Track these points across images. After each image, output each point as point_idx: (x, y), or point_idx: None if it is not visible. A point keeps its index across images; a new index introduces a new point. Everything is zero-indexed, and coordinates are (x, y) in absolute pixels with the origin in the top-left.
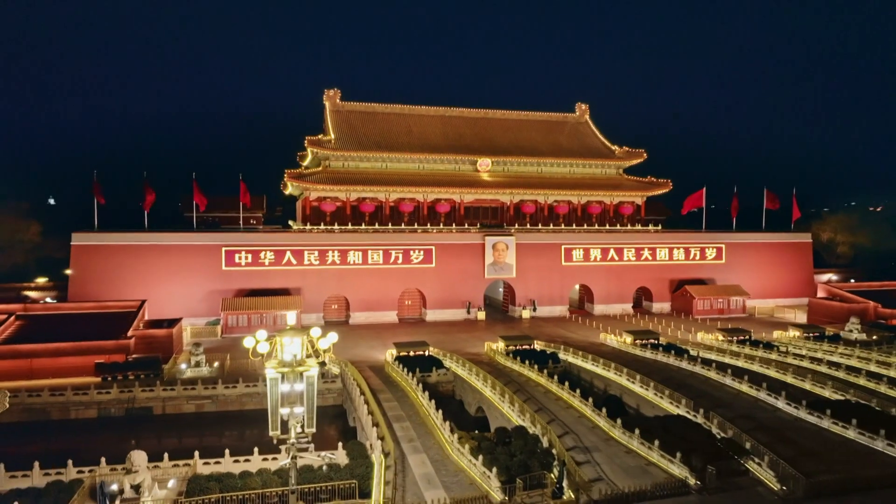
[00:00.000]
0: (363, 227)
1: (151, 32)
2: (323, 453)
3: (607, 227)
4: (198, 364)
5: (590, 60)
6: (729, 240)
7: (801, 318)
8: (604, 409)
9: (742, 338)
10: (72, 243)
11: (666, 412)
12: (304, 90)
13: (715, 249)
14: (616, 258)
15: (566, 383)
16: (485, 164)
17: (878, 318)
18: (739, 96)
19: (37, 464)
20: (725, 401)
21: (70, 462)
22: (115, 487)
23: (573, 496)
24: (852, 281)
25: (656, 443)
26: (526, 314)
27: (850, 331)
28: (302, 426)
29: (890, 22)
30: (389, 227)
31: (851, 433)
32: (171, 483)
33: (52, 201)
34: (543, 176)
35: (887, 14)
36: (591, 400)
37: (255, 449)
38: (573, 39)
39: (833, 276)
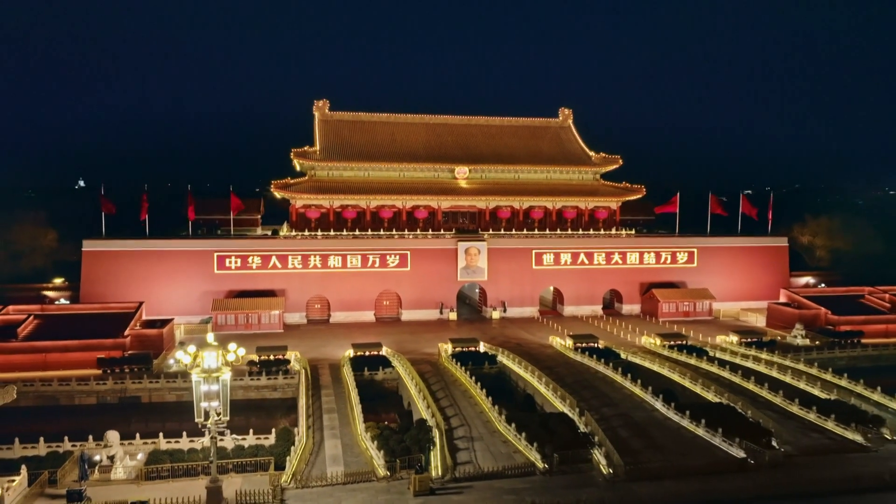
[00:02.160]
0: (344, 233)
1: (169, 44)
2: (233, 436)
3: (580, 231)
4: None
5: (576, 66)
6: (701, 244)
7: (763, 321)
8: (496, 406)
9: (677, 342)
10: (83, 249)
11: (555, 409)
12: (308, 92)
13: (686, 253)
14: (586, 262)
15: (479, 383)
16: (462, 172)
17: (828, 324)
18: (728, 100)
19: (41, 438)
20: (616, 400)
21: (66, 438)
22: (96, 458)
23: (440, 473)
24: (822, 285)
25: (524, 434)
26: (496, 315)
27: (795, 336)
28: (218, 414)
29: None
30: (368, 233)
31: (701, 430)
32: (139, 456)
33: (82, 183)
34: (520, 182)
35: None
36: (490, 398)
37: (206, 431)
38: (562, 45)
39: (811, 280)
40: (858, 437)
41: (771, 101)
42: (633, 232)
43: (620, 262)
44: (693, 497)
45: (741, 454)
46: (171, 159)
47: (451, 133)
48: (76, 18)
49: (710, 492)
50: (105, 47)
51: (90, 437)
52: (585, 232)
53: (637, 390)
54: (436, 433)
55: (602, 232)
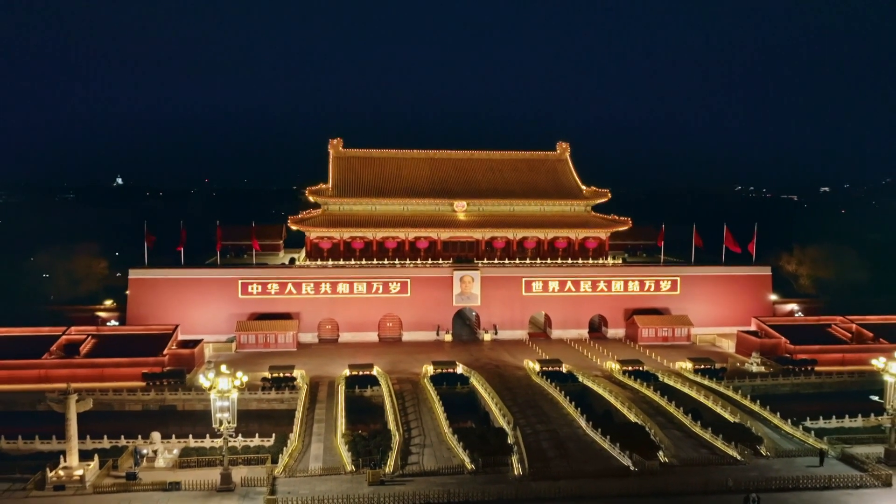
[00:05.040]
0: (352, 262)
1: (208, 48)
2: (241, 438)
3: (570, 260)
4: None
5: (577, 99)
6: (684, 273)
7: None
8: (445, 420)
9: (634, 368)
10: (129, 277)
11: (499, 425)
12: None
13: (670, 282)
14: (573, 289)
15: (441, 401)
16: (461, 206)
17: (786, 353)
18: (740, 106)
19: (105, 435)
20: (552, 418)
21: (122, 436)
22: (144, 451)
23: (391, 470)
24: (799, 314)
25: (461, 443)
26: (488, 337)
27: (752, 364)
28: (229, 422)
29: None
30: (374, 262)
31: (606, 444)
32: (174, 451)
33: (119, 181)
34: (515, 214)
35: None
36: (444, 415)
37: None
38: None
39: (795, 307)
40: (735, 453)
41: (782, 105)
42: (619, 261)
43: (606, 289)
44: (575, 492)
45: (628, 463)
46: (208, 157)
47: (453, 167)
48: (114, 17)
49: (589, 488)
50: (144, 48)
51: (139, 436)
52: (574, 261)
53: (570, 410)
54: (394, 440)
55: (590, 261)
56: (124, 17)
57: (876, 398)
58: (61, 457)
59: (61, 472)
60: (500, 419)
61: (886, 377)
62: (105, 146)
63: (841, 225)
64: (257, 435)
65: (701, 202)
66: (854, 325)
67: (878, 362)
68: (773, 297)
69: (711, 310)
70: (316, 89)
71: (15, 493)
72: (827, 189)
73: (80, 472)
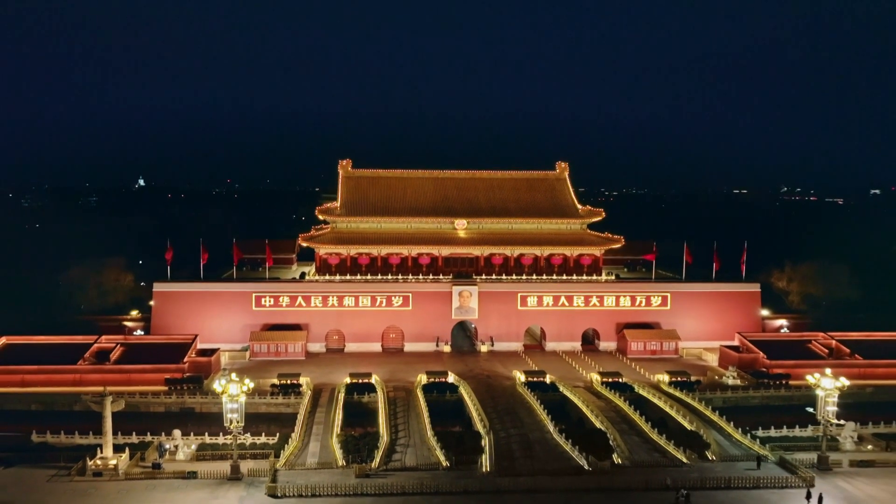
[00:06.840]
0: (357, 277)
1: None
2: (248, 436)
3: (564, 277)
4: None
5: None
6: (675, 289)
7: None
8: (429, 424)
9: (613, 380)
10: (153, 290)
11: (475, 429)
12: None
13: (660, 297)
14: (566, 304)
15: (428, 407)
16: (461, 224)
17: (763, 367)
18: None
19: (134, 432)
20: (525, 424)
21: (148, 433)
22: (167, 446)
23: (377, 465)
24: (785, 329)
25: (439, 444)
26: (485, 349)
27: (728, 377)
28: (238, 422)
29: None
30: (378, 276)
31: (567, 447)
32: (193, 446)
33: (141, 182)
34: (513, 232)
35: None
36: (429, 419)
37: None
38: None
39: (784, 322)
40: (683, 457)
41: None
42: (612, 277)
43: (598, 304)
44: (531, 486)
45: (583, 463)
46: (231, 158)
47: (455, 187)
48: (137, 19)
49: (544, 483)
50: (168, 50)
51: (163, 433)
52: (568, 277)
53: (543, 417)
54: (382, 440)
55: (584, 277)
56: (148, 19)
57: (811, 409)
58: (98, 449)
59: (99, 462)
60: (479, 425)
61: (818, 391)
62: (128, 147)
63: (869, 234)
64: (264, 434)
65: (730, 207)
66: (834, 342)
67: (812, 378)
68: (765, 312)
69: (700, 325)
70: (337, 91)
71: (61, 478)
72: (878, 192)
73: (114, 462)
